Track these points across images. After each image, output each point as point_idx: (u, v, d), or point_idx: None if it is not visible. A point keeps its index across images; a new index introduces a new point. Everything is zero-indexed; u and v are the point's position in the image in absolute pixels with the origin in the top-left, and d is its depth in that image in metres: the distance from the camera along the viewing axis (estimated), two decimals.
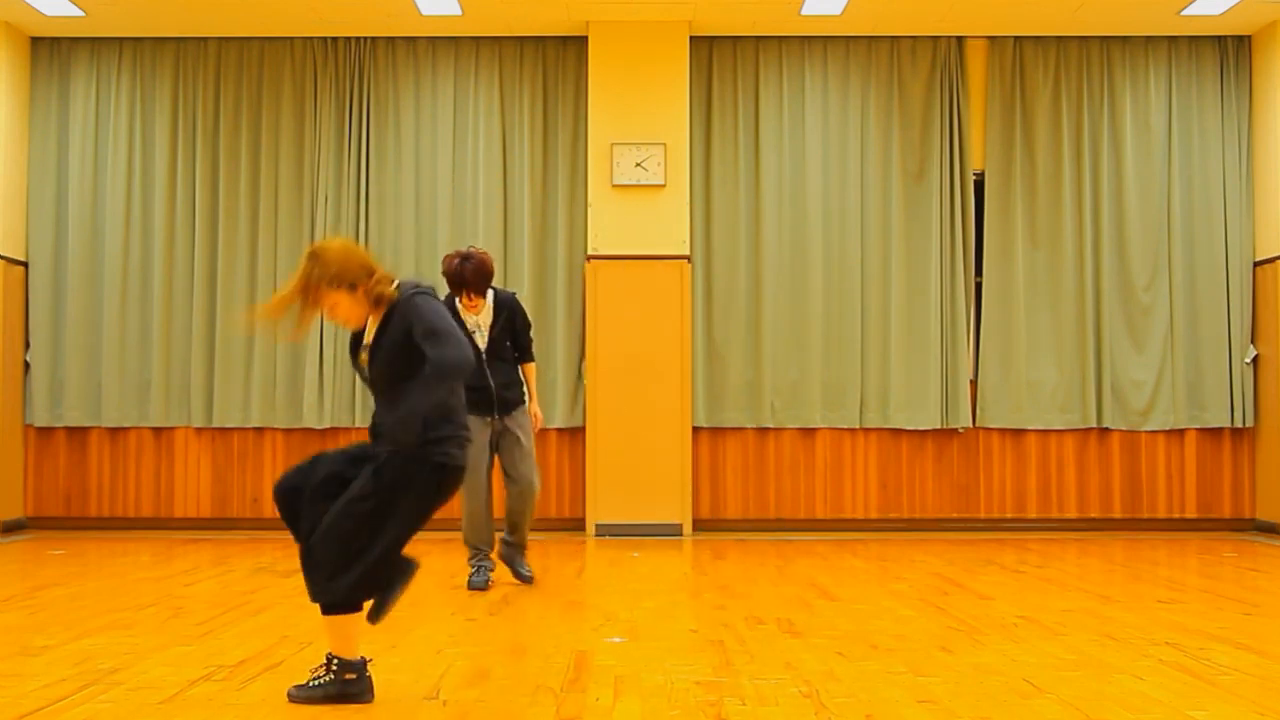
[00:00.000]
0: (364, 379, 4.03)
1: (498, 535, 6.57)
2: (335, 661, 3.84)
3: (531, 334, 6.60)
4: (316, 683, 3.86)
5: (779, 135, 9.67)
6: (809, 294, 9.55)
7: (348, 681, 3.85)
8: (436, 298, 3.95)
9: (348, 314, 3.90)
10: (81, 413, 9.60)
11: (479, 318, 6.34)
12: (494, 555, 6.53)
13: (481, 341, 6.31)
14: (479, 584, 6.34)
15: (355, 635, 3.84)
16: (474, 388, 6.17)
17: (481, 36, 9.71)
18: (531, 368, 6.59)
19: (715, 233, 9.63)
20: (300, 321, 3.90)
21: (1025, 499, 9.63)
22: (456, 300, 6.31)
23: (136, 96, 9.74)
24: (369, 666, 3.91)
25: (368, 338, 3.96)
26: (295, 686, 3.91)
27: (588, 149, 9.47)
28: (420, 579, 6.50)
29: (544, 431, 9.54)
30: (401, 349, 3.82)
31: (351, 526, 3.72)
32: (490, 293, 6.37)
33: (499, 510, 6.56)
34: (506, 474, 6.44)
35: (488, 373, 6.27)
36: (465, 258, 6.19)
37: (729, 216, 9.63)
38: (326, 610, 3.79)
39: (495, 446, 6.42)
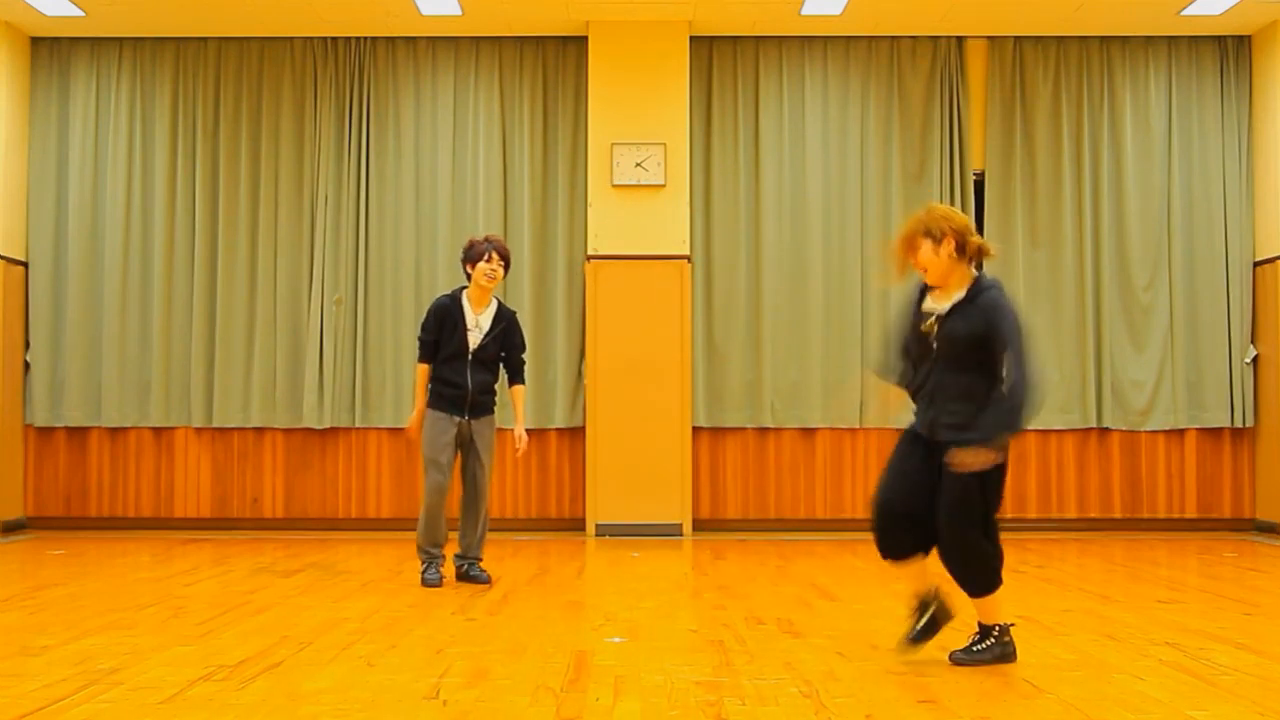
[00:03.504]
0: (916, 346, 4.43)
1: (451, 534, 6.59)
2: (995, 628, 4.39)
3: (524, 357, 6.63)
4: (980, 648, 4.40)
5: (779, 135, 9.67)
6: (809, 294, 9.55)
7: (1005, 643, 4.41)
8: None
9: (928, 263, 4.37)
10: (81, 413, 9.60)
11: (480, 316, 6.41)
12: (448, 573, 6.56)
13: (473, 341, 6.37)
14: (433, 580, 6.38)
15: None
16: (451, 384, 6.36)
17: (481, 36, 9.71)
18: (521, 391, 6.61)
19: (715, 233, 9.63)
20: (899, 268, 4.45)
21: (1025, 499, 9.62)
22: (463, 294, 6.44)
23: (136, 96, 9.74)
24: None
25: (939, 305, 4.36)
26: (960, 651, 4.42)
27: (588, 149, 9.47)
28: (418, 582, 6.52)
29: (544, 431, 9.55)
30: (980, 341, 4.26)
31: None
32: (494, 301, 6.49)
33: (452, 510, 6.56)
34: (462, 479, 6.48)
35: (469, 373, 6.35)
36: (487, 238, 6.49)
37: (729, 216, 9.63)
38: None
39: (460, 445, 6.44)
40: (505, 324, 6.48)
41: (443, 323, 6.40)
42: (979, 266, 4.47)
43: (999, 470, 4.28)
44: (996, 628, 4.38)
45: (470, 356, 6.37)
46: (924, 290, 4.50)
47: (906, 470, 4.41)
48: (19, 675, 4.22)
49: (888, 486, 4.44)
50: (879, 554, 4.47)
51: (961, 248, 4.35)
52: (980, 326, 4.26)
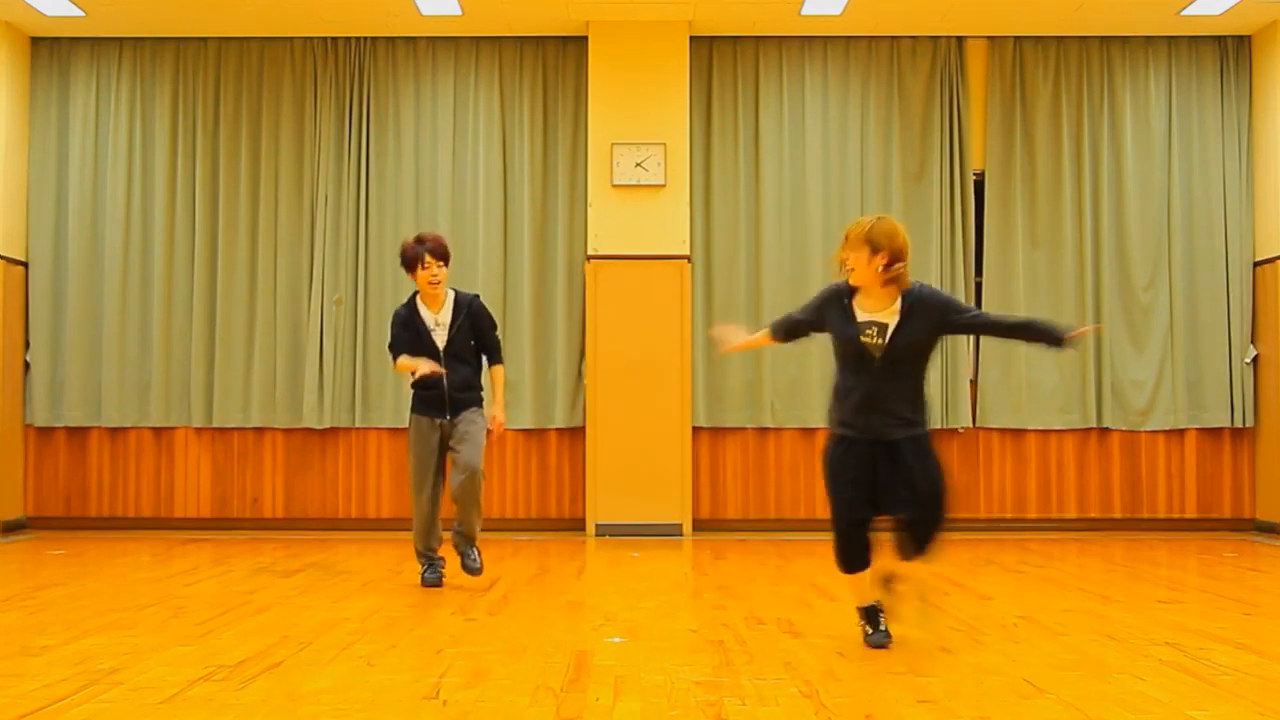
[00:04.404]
0: (849, 351, 4.68)
1: (445, 534, 6.51)
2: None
3: (499, 335, 6.53)
4: None
5: (779, 135, 9.67)
6: (809, 294, 9.46)
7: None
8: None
9: (857, 266, 4.61)
10: (81, 413, 9.60)
11: (438, 315, 6.32)
12: (442, 552, 6.53)
13: (440, 340, 6.29)
14: (433, 580, 6.37)
15: None
16: (427, 386, 6.27)
17: (481, 36, 9.71)
18: (500, 370, 6.51)
19: (715, 233, 9.63)
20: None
21: (1025, 499, 9.63)
22: (416, 299, 6.35)
23: (136, 96, 9.74)
24: None
25: (889, 318, 4.61)
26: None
27: (588, 149, 9.47)
28: (418, 582, 6.52)
29: (544, 431, 9.56)
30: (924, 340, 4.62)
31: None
32: (451, 293, 6.38)
33: (446, 510, 6.41)
34: (454, 462, 6.32)
35: (444, 374, 6.24)
36: (419, 238, 6.32)
37: (729, 216, 9.63)
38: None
39: (445, 447, 6.35)
40: (467, 310, 6.36)
41: (406, 330, 6.33)
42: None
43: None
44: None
45: (442, 354, 6.26)
46: (849, 294, 4.71)
47: (859, 481, 4.64)
48: (19, 675, 4.22)
49: (850, 503, 4.65)
50: (843, 569, 4.72)
51: (890, 266, 4.56)
52: (936, 318, 4.62)
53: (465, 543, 6.42)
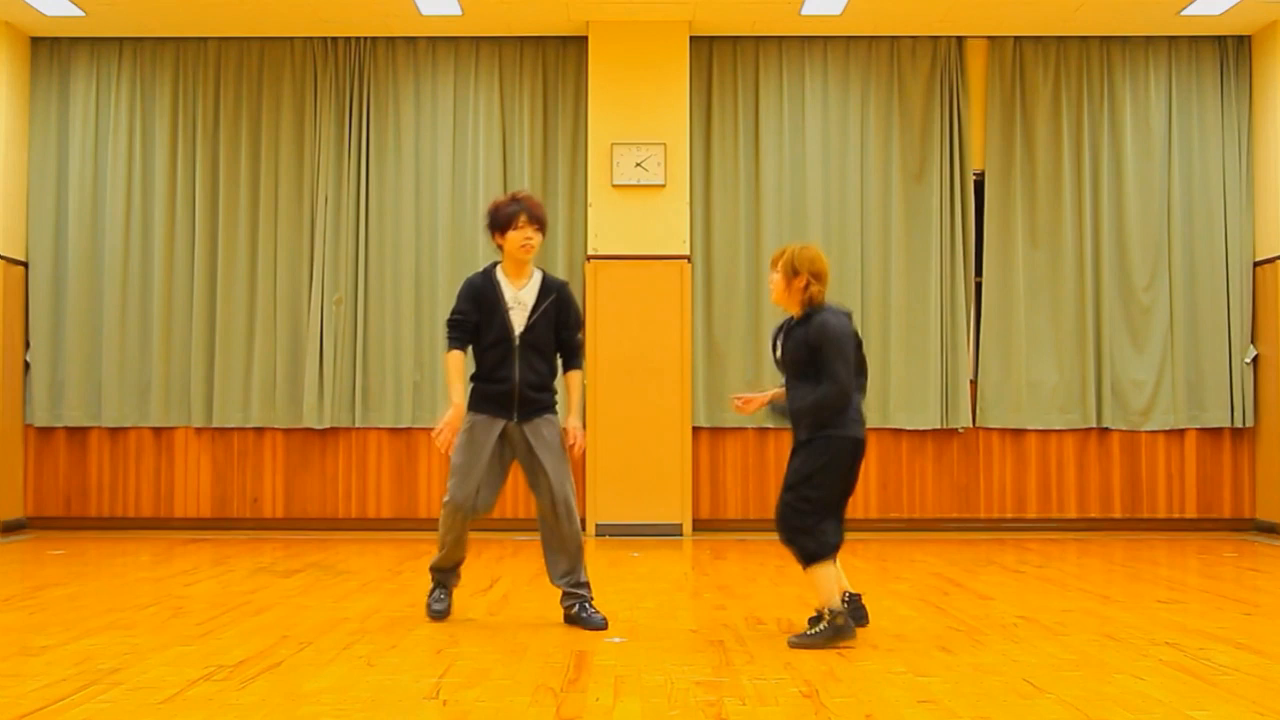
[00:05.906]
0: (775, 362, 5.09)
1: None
2: (827, 611, 4.79)
3: (580, 338, 5.45)
4: (814, 632, 4.81)
5: (779, 135, 9.67)
6: None
7: (839, 626, 4.79)
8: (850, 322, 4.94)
9: (779, 294, 4.99)
10: (81, 413, 9.60)
11: (520, 291, 5.26)
12: (553, 605, 5.51)
13: (518, 322, 5.21)
14: (441, 612, 5.39)
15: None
16: (494, 379, 5.23)
17: (481, 36, 9.72)
18: (578, 376, 5.42)
19: (715, 233, 9.63)
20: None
21: (1025, 499, 9.63)
22: (496, 269, 5.33)
23: (136, 96, 9.74)
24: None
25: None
26: (794, 635, 4.88)
27: (588, 149, 9.47)
28: (418, 581, 6.52)
29: None
30: (806, 354, 4.86)
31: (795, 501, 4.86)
32: (538, 272, 5.36)
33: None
34: (537, 497, 5.30)
35: (516, 365, 5.20)
36: (514, 196, 5.33)
37: (729, 216, 9.63)
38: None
39: (512, 456, 5.32)
40: (555, 296, 5.28)
41: (479, 303, 5.22)
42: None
43: (827, 463, 4.84)
44: (828, 610, 4.80)
45: (517, 341, 5.19)
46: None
47: None
48: (19, 675, 4.22)
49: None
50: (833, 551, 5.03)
51: (806, 287, 4.94)
52: (812, 339, 4.85)
53: (583, 603, 5.30)
